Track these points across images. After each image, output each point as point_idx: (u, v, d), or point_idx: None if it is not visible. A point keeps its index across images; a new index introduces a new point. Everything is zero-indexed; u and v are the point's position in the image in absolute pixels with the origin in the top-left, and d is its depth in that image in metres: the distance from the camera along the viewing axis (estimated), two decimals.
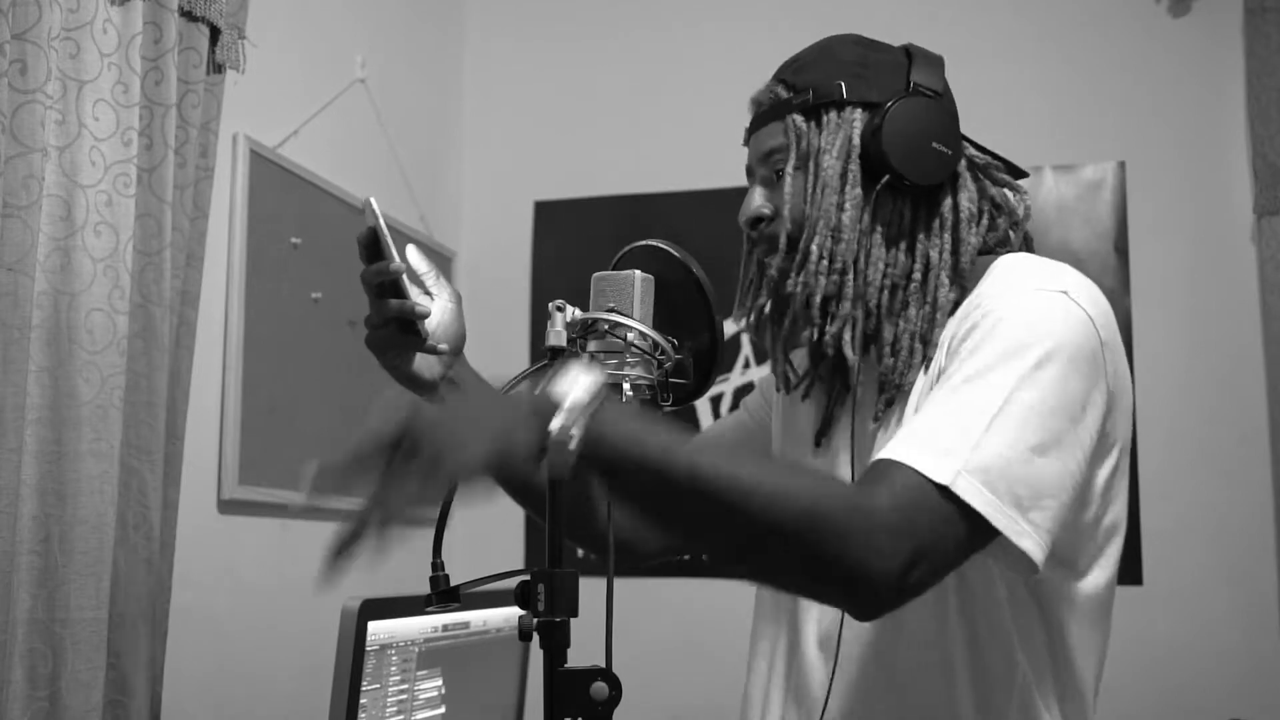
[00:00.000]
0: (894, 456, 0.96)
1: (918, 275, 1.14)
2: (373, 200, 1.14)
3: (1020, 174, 1.24)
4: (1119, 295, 2.87)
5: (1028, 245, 1.21)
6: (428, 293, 1.21)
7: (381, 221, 1.14)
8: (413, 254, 1.21)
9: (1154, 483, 2.79)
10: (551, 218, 3.25)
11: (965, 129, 1.19)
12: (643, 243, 1.13)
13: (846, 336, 1.14)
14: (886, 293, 1.14)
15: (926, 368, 1.12)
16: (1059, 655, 1.11)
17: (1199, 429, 2.82)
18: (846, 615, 1.11)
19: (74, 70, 1.78)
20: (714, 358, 1.12)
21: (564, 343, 1.01)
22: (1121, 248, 2.89)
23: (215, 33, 2.06)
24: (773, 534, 0.92)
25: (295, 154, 2.51)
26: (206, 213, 2.07)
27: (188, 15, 1.99)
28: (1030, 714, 1.09)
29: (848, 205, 1.13)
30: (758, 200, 1.20)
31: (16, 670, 1.67)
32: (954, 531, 0.95)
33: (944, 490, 0.94)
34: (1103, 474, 1.06)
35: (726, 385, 3.00)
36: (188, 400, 2.01)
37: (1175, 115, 2.91)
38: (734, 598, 1.40)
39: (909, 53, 1.19)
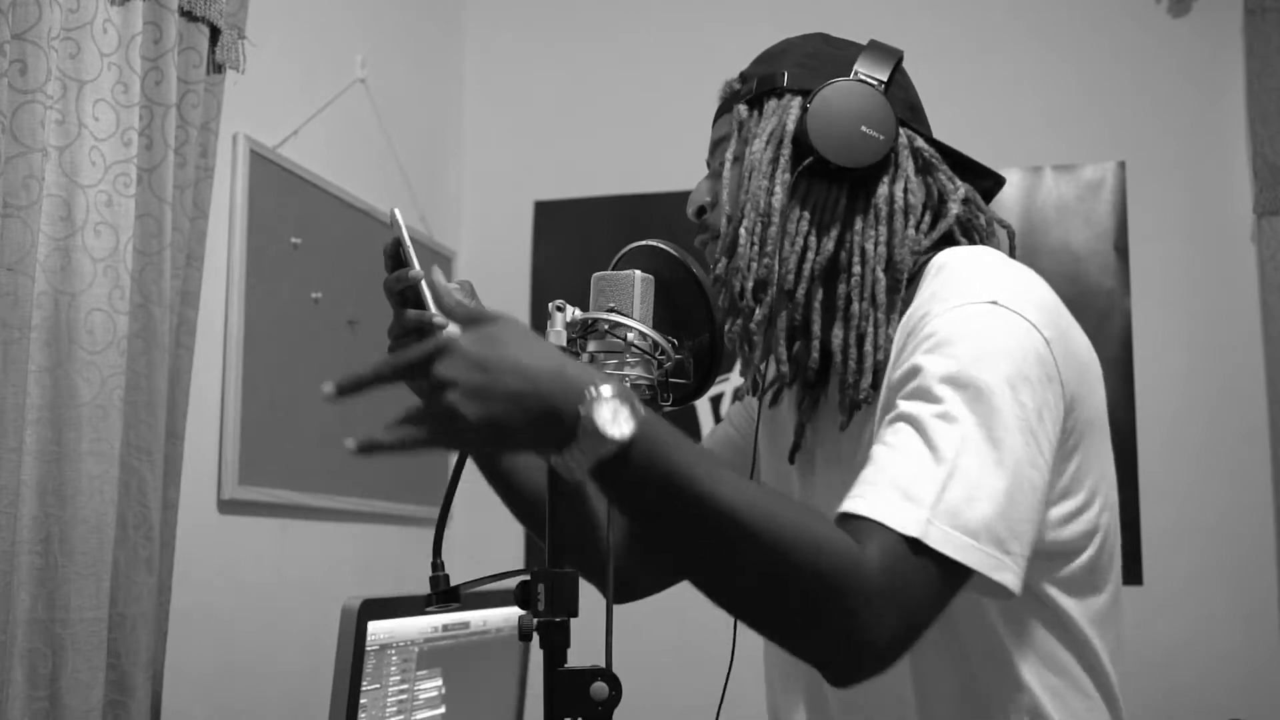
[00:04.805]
0: (863, 512, 0.90)
1: (856, 268, 1.10)
2: (398, 212, 1.20)
3: (996, 178, 1.21)
4: (1119, 295, 2.87)
5: (981, 239, 1.16)
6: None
7: (405, 232, 1.18)
8: (438, 274, 1.25)
9: (1154, 483, 2.79)
10: (551, 218, 3.25)
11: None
12: (643, 243, 1.13)
13: (773, 326, 1.12)
14: (814, 281, 1.11)
15: (879, 374, 1.08)
16: (1069, 662, 1.07)
17: (1199, 429, 2.82)
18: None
19: (74, 70, 1.78)
20: (714, 358, 1.12)
21: (564, 343, 1.02)
22: (1121, 248, 2.89)
23: (215, 33, 2.06)
24: (772, 574, 0.87)
25: (295, 154, 2.51)
26: (206, 213, 2.07)
27: (188, 15, 1.99)
28: None
29: (777, 189, 1.11)
30: (700, 190, 1.19)
31: (16, 670, 1.67)
32: (935, 586, 0.89)
33: (917, 544, 0.88)
34: (1070, 468, 1.02)
35: (726, 385, 3.00)
36: (188, 400, 2.01)
37: (1175, 115, 2.91)
38: None
39: (865, 46, 1.17)
